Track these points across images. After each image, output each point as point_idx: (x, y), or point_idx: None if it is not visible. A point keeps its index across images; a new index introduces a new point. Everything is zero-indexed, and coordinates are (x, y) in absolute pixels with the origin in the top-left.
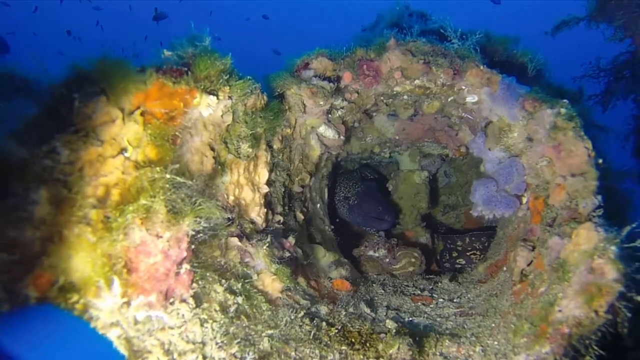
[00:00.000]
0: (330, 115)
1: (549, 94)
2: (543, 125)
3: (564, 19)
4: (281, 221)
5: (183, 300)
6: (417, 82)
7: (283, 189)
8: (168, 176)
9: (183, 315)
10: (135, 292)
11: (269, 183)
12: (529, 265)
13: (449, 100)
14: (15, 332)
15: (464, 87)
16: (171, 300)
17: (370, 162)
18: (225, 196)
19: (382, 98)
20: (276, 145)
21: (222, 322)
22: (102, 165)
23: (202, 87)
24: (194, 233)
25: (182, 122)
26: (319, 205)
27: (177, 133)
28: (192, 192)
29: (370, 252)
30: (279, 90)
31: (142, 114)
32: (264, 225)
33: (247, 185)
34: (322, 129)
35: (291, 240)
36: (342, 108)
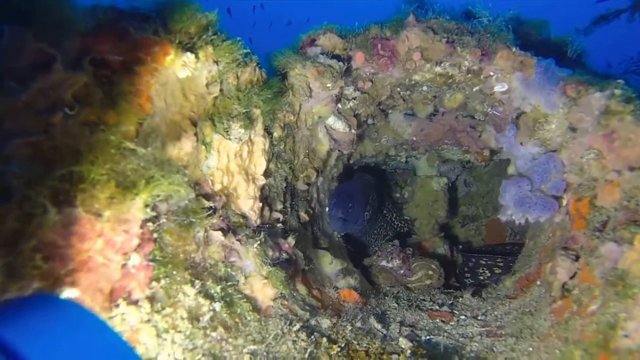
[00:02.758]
0: (340, 106)
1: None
2: (590, 112)
3: (602, 13)
4: (280, 219)
5: (133, 302)
6: (438, 69)
7: (284, 185)
8: (113, 138)
9: (130, 322)
10: (53, 286)
11: (267, 174)
12: (572, 278)
13: (474, 90)
14: (14, 321)
15: (492, 73)
16: (116, 302)
17: (386, 167)
18: (210, 183)
19: (398, 89)
20: (277, 133)
21: (188, 332)
22: (29, 121)
23: (176, 40)
24: (151, 216)
25: (152, 82)
26: (327, 208)
27: (143, 93)
28: (148, 164)
29: (383, 263)
30: (281, 70)
31: (92, 61)
32: (258, 222)
33: (240, 174)
34: (331, 121)
35: (290, 241)
36: (354, 99)
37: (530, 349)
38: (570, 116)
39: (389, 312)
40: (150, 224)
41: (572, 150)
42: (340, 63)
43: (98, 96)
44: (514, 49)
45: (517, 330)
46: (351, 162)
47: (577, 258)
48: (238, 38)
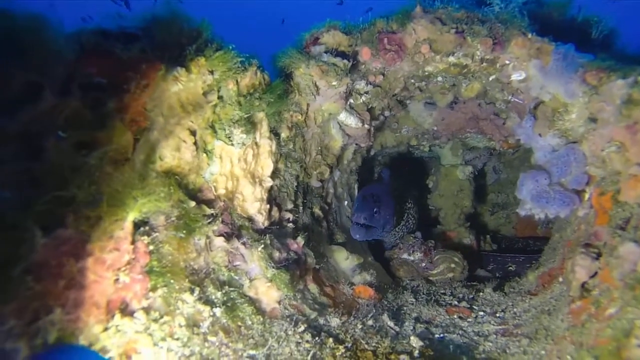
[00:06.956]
0: (352, 101)
1: (621, 63)
2: (612, 101)
3: None
4: (290, 219)
5: (129, 314)
6: (451, 59)
7: (295, 183)
8: (97, 161)
9: (126, 333)
10: (44, 303)
11: (276, 175)
12: (592, 277)
13: (491, 79)
14: None
15: (507, 62)
16: (112, 314)
17: (410, 156)
18: (213, 189)
19: (412, 81)
20: (284, 133)
21: (185, 339)
22: (21, 147)
23: (166, 56)
24: (145, 230)
25: (144, 98)
26: (346, 202)
27: (136, 110)
28: (135, 183)
29: (405, 255)
30: (286, 71)
31: (80, 86)
32: (266, 223)
33: (245, 178)
34: (343, 117)
35: (300, 240)
36: (367, 93)
37: (543, 352)
38: (591, 106)
39: (405, 308)
40: (145, 237)
41: (592, 142)
42: (345, 60)
43: (88, 118)
44: (529, 35)
45: (532, 331)
46: (371, 154)
47: (598, 256)
48: (231, 46)
